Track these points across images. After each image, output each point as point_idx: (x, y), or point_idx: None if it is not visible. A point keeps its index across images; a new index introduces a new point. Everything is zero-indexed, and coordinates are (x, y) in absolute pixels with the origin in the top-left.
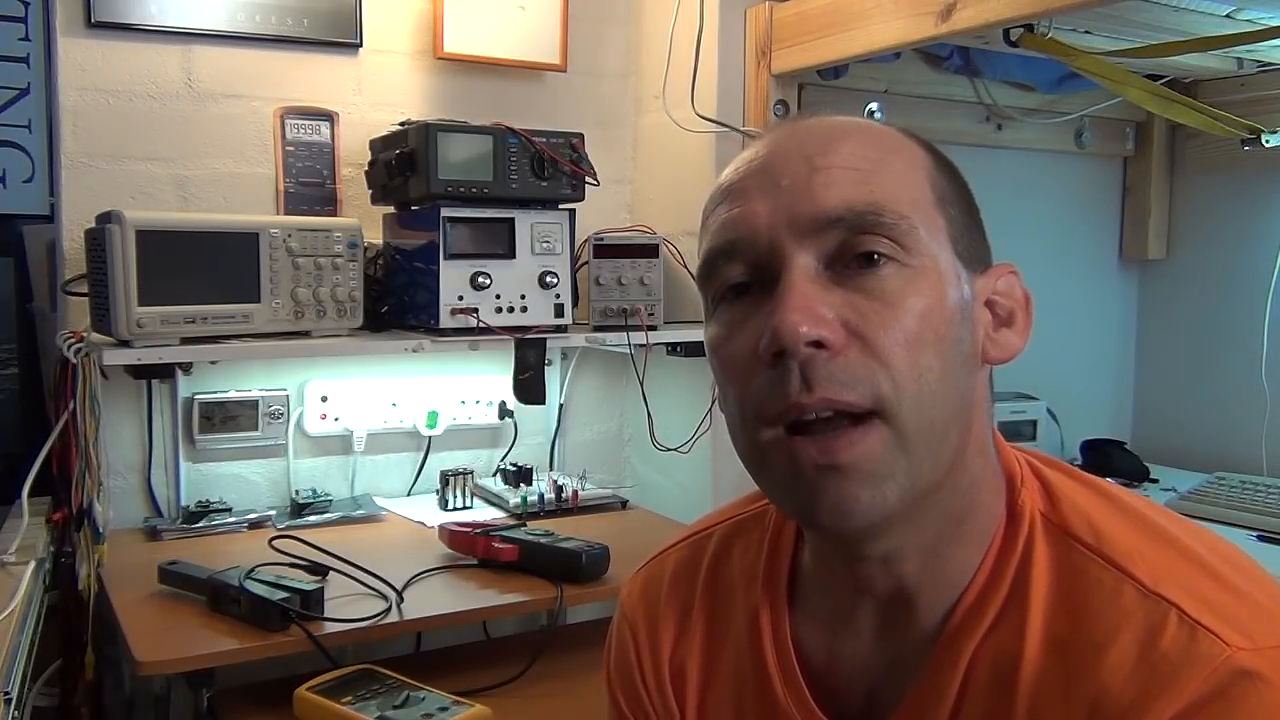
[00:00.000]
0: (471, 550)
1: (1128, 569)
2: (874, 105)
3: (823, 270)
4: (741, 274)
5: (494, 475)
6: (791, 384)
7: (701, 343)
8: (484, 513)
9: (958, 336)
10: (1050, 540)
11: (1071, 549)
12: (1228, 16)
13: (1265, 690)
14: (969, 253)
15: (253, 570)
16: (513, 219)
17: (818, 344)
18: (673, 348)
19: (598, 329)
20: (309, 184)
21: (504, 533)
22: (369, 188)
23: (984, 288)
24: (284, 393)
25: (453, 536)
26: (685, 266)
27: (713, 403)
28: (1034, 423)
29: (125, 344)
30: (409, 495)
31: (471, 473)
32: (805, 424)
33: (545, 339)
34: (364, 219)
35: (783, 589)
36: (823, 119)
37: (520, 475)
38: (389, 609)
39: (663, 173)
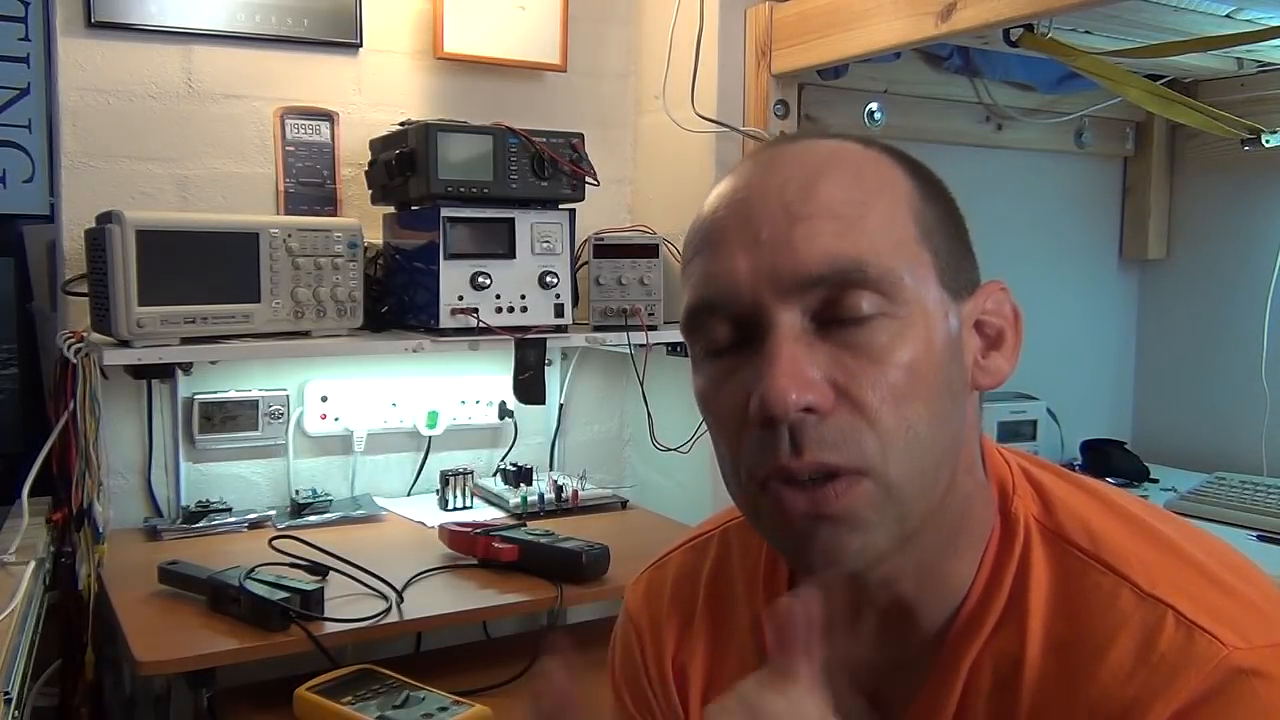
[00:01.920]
0: (471, 550)
1: (1124, 572)
2: (874, 105)
3: (808, 325)
4: (726, 333)
5: (494, 475)
6: (781, 448)
7: None
8: (484, 513)
9: (947, 377)
10: (1047, 545)
11: (1068, 553)
12: (1228, 16)
13: (1262, 688)
14: (956, 281)
15: (253, 570)
16: (513, 219)
17: (808, 409)
18: (673, 348)
19: (598, 329)
20: (309, 184)
21: (504, 533)
22: (369, 188)
23: (973, 310)
24: (284, 393)
25: (453, 536)
26: None
27: None
28: (1034, 423)
29: (125, 344)
30: (409, 495)
31: (471, 473)
32: (795, 481)
33: (545, 339)
34: (364, 219)
35: (784, 591)
36: (802, 150)
37: (520, 475)
38: (389, 609)
39: (663, 173)
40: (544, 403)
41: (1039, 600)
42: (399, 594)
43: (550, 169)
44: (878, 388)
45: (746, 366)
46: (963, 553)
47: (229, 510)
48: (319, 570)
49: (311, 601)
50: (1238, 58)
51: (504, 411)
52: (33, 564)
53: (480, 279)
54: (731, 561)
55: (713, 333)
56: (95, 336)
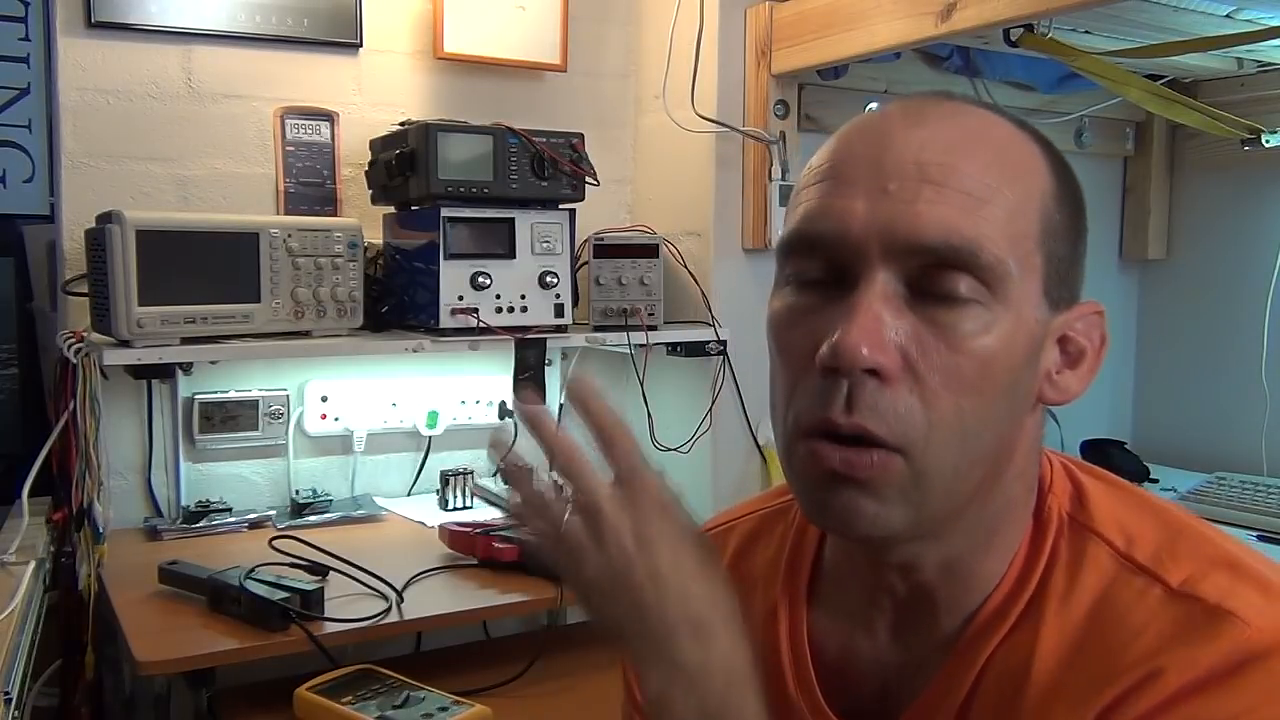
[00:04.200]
0: (471, 550)
1: (1157, 573)
2: (874, 105)
3: (901, 290)
4: (820, 269)
5: (494, 475)
6: (835, 401)
7: (701, 343)
8: (484, 513)
9: (1014, 382)
10: (1075, 542)
11: (1100, 551)
12: (1228, 16)
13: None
14: (1058, 291)
15: (253, 570)
16: (513, 219)
17: (872, 371)
18: (673, 348)
19: (598, 329)
20: (309, 184)
21: (504, 533)
22: (369, 188)
23: (1063, 324)
24: (284, 393)
25: (453, 536)
26: (685, 266)
27: (713, 403)
28: None
29: (125, 344)
30: (409, 495)
31: (471, 473)
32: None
33: (545, 339)
34: (364, 219)
35: (803, 585)
36: (951, 113)
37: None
38: (389, 609)
39: (663, 173)
40: (544, 403)
41: (1057, 600)
42: (399, 594)
43: (550, 169)
44: (944, 372)
45: (828, 310)
46: (995, 551)
47: (229, 510)
48: (319, 570)
49: (311, 601)
50: (1238, 58)
51: (504, 411)
52: (33, 564)
53: (480, 279)
54: (754, 551)
55: (806, 266)
56: (95, 336)
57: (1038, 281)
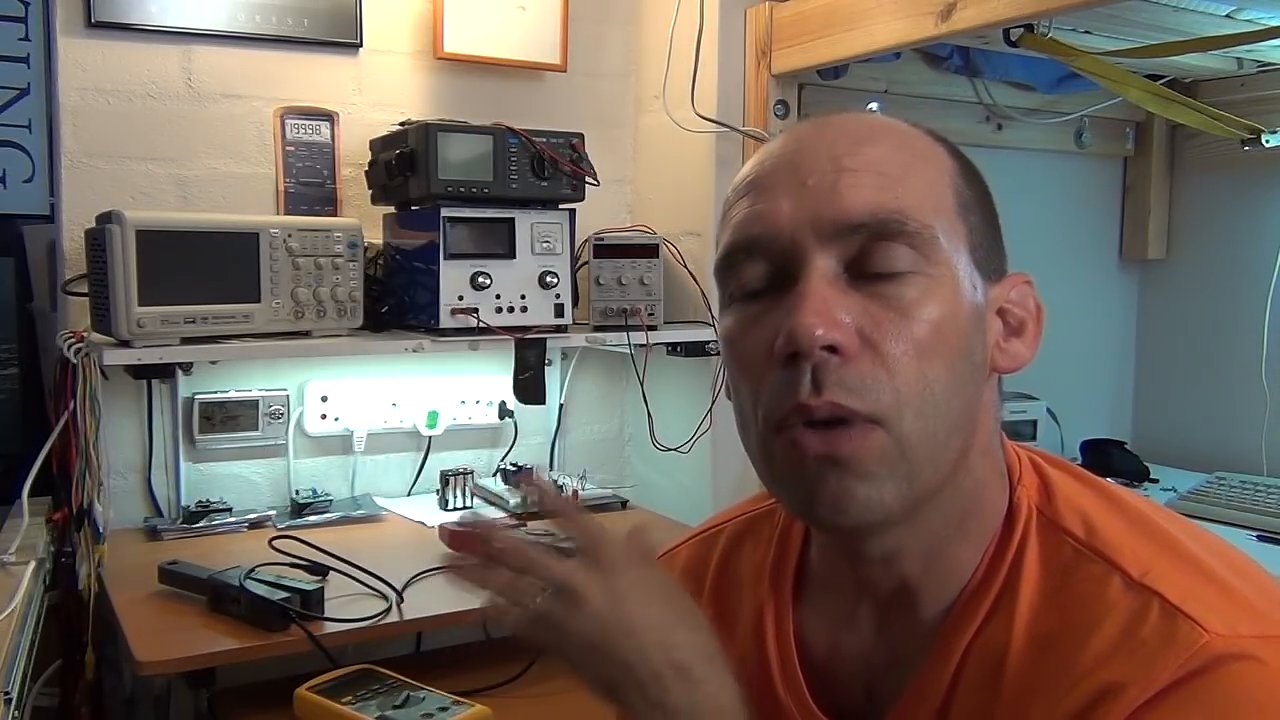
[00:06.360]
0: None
1: (1116, 561)
2: (874, 105)
3: (842, 273)
4: (761, 273)
5: (494, 475)
6: (802, 386)
7: (701, 343)
8: (484, 513)
9: (969, 346)
10: (1043, 534)
11: (1063, 543)
12: (1228, 16)
13: (1239, 675)
14: (986, 261)
15: (253, 570)
16: (513, 219)
17: (831, 348)
18: (673, 348)
19: (598, 329)
20: (309, 184)
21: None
22: (369, 188)
23: (997, 296)
24: (284, 393)
25: (453, 536)
26: (685, 266)
27: (713, 403)
28: (1034, 423)
29: (125, 344)
30: (409, 495)
31: (471, 473)
32: (811, 422)
33: (545, 339)
34: (364, 219)
35: (788, 586)
36: (853, 116)
37: (520, 475)
38: (389, 609)
39: (663, 173)
40: (544, 403)
41: (1029, 590)
42: (399, 594)
43: (550, 169)
44: (901, 340)
45: (777, 309)
46: (971, 538)
47: (229, 510)
48: (319, 570)
49: (311, 601)
50: (1238, 58)
51: (504, 411)
52: (33, 564)
53: (480, 279)
54: (740, 554)
55: (747, 274)
56: (95, 336)
57: (965, 251)
